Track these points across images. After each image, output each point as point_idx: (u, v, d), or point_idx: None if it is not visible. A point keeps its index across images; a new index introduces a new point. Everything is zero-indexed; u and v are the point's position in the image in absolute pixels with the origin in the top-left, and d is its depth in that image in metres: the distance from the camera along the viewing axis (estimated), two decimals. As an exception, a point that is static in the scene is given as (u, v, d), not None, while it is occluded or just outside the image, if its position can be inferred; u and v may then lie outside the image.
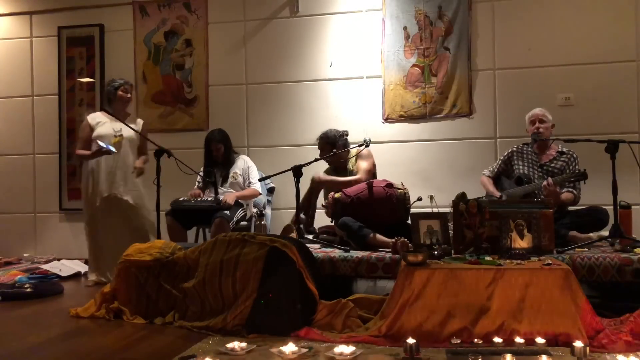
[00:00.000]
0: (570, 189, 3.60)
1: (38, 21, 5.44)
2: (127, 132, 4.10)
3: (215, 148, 4.32)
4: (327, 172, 4.04)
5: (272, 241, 2.86)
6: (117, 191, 4.08)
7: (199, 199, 4.16)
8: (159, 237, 3.67)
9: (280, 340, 2.47)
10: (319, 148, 4.02)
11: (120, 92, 4.16)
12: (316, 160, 3.72)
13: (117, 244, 3.89)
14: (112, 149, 3.96)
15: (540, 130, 3.72)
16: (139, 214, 4.16)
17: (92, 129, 4.13)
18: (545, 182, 3.44)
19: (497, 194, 3.74)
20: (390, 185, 3.54)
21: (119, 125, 4.07)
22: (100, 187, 4.08)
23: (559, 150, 3.78)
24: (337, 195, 3.57)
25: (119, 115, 4.09)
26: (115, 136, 4.08)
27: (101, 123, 4.13)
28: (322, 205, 3.80)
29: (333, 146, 3.91)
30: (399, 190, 3.52)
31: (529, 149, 3.84)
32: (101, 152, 3.96)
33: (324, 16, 4.90)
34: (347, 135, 4.04)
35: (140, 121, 4.32)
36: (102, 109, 4.34)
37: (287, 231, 3.71)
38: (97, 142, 3.99)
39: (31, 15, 5.45)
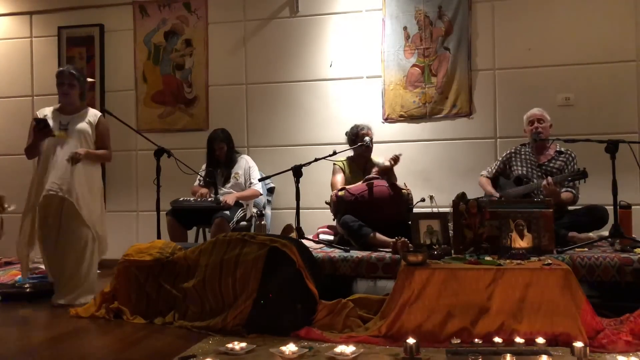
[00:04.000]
0: (569, 189, 3.61)
1: (38, 21, 5.44)
2: (78, 126, 3.70)
3: (218, 147, 4.33)
4: (350, 163, 3.99)
5: (272, 241, 2.86)
6: (59, 189, 3.53)
7: (202, 199, 4.14)
8: (159, 237, 3.66)
9: (280, 340, 2.48)
10: (354, 138, 3.95)
11: (57, 81, 3.75)
12: (316, 160, 3.72)
13: (53, 250, 3.58)
14: (55, 131, 3.58)
15: (540, 130, 3.72)
16: (75, 221, 3.58)
17: None
18: (545, 182, 3.45)
19: (496, 194, 3.74)
20: (393, 185, 3.55)
21: (67, 118, 3.71)
22: (42, 183, 3.58)
23: (558, 150, 3.79)
24: (340, 193, 3.57)
25: (71, 107, 3.76)
26: (60, 129, 3.66)
27: (48, 116, 3.70)
28: (326, 203, 3.80)
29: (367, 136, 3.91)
30: (402, 191, 3.53)
31: (527, 150, 3.85)
32: (40, 129, 3.50)
33: (324, 16, 4.89)
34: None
35: (96, 113, 3.85)
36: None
37: (287, 231, 3.71)
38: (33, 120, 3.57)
39: (31, 15, 5.45)
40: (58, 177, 3.55)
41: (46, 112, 3.83)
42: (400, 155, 3.64)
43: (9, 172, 5.45)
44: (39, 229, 3.61)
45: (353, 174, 3.90)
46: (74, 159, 3.58)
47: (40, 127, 3.52)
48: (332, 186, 3.85)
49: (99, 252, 3.72)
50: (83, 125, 3.74)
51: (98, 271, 3.82)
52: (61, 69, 3.86)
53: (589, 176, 3.42)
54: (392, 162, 3.62)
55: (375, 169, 3.72)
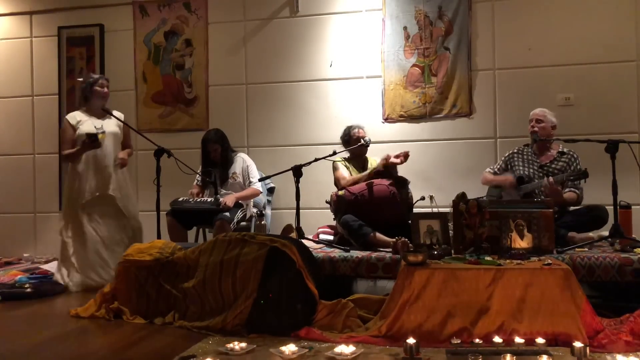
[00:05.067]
0: (573, 189, 3.60)
1: (38, 21, 5.44)
2: (110, 128, 4.06)
3: (212, 149, 4.28)
4: (348, 162, 4.00)
5: (272, 241, 2.86)
6: (107, 190, 4.01)
7: (198, 199, 4.14)
8: (159, 237, 3.67)
9: (280, 340, 2.48)
10: (349, 139, 3.99)
11: (96, 88, 4.05)
12: (316, 160, 3.72)
13: (107, 243, 3.98)
14: (86, 129, 3.91)
15: (535, 129, 3.71)
16: (125, 215, 4.11)
17: (74, 128, 4.03)
18: (545, 181, 3.44)
19: (510, 177, 3.70)
20: (393, 184, 3.54)
21: (99, 122, 4.03)
22: (88, 186, 3.98)
23: (560, 150, 3.78)
24: (340, 192, 3.58)
25: (97, 111, 4.05)
26: (98, 133, 3.97)
27: (82, 122, 4.04)
28: (326, 202, 3.80)
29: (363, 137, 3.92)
30: (402, 190, 3.53)
31: (529, 150, 3.85)
32: (90, 142, 3.86)
33: (324, 16, 4.90)
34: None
35: (120, 115, 4.16)
36: (79, 108, 4.19)
37: (287, 231, 3.71)
38: (82, 134, 3.91)
39: (31, 15, 5.45)
40: (104, 179, 4.01)
41: (77, 117, 4.09)
42: (408, 152, 3.64)
43: (9, 172, 5.45)
44: (86, 226, 3.97)
45: (353, 173, 3.91)
46: (122, 165, 4.09)
47: (90, 142, 3.87)
48: (338, 181, 3.85)
49: (140, 240, 4.04)
50: (115, 129, 4.11)
51: None
52: (99, 76, 4.18)
53: (589, 176, 3.41)
54: (402, 160, 3.62)
55: (381, 162, 3.71)
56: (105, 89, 4.10)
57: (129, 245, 3.76)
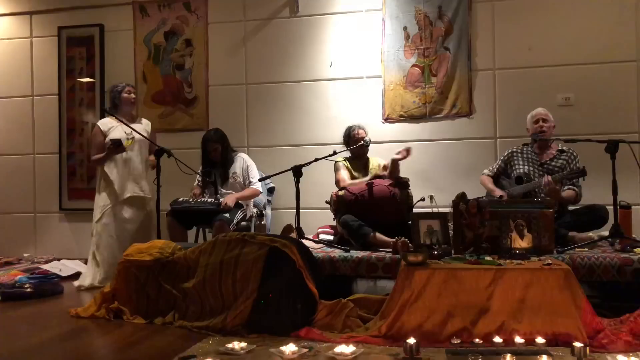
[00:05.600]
0: (571, 187, 3.60)
1: (38, 21, 5.44)
2: (139, 136, 4.19)
3: (212, 149, 4.27)
4: (350, 162, 4.01)
5: (272, 241, 2.86)
6: (138, 191, 4.21)
7: (199, 199, 4.14)
8: (159, 237, 3.67)
9: (280, 340, 2.48)
10: (350, 139, 4.00)
11: (124, 95, 4.24)
12: (316, 160, 3.72)
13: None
14: (123, 142, 4.11)
15: (544, 129, 3.73)
16: (146, 216, 4.31)
17: (104, 134, 4.20)
18: (544, 180, 3.45)
19: (498, 191, 3.73)
20: (393, 184, 3.55)
21: (128, 128, 4.16)
22: (121, 188, 4.16)
23: (559, 149, 3.79)
24: (340, 192, 3.58)
25: (127, 117, 4.21)
26: (128, 139, 4.17)
27: (113, 128, 4.21)
28: (326, 202, 3.80)
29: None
30: (406, 184, 3.54)
31: (529, 149, 3.85)
32: (115, 148, 4.07)
33: (324, 16, 4.90)
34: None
35: (147, 122, 4.41)
36: (107, 114, 4.33)
37: (287, 231, 3.71)
38: (109, 139, 4.12)
39: (31, 15, 5.45)
40: (135, 181, 4.21)
41: (109, 124, 4.25)
42: (410, 147, 3.66)
43: (9, 172, 5.45)
44: (120, 225, 4.16)
45: (355, 172, 3.91)
46: (153, 167, 4.13)
47: (115, 147, 4.07)
48: (338, 183, 3.86)
49: None
50: (143, 134, 4.21)
51: None
52: (126, 84, 4.35)
53: (587, 174, 3.41)
54: (404, 154, 3.63)
55: (385, 164, 3.71)
56: (133, 95, 4.30)
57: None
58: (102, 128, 4.22)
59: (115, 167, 4.17)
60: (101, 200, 4.19)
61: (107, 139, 4.16)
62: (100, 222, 4.14)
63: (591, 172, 3.45)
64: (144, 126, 4.32)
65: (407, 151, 3.63)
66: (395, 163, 3.64)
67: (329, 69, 4.86)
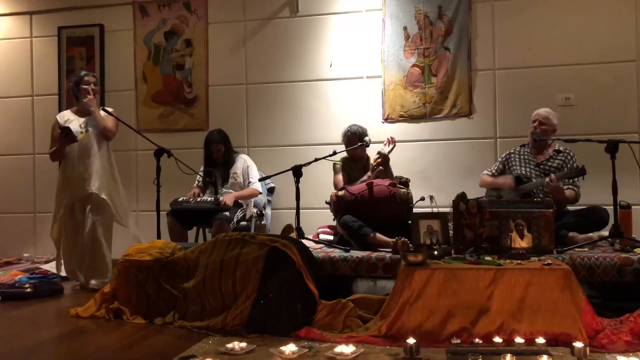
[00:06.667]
0: (570, 186, 3.60)
1: (38, 21, 5.43)
2: (94, 127, 4.00)
3: (215, 149, 4.31)
4: (343, 163, 4.01)
5: (272, 241, 2.86)
6: (91, 188, 3.92)
7: (198, 199, 4.15)
8: (159, 237, 3.67)
9: (280, 340, 2.48)
10: (345, 141, 3.98)
11: (82, 86, 4.00)
12: (316, 160, 3.72)
13: (90, 243, 3.92)
14: (77, 135, 3.89)
15: (538, 131, 3.73)
16: (110, 211, 4.01)
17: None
18: (547, 179, 3.45)
19: (509, 179, 3.71)
20: (393, 184, 3.55)
21: (85, 120, 4.00)
22: (73, 184, 3.96)
23: (556, 149, 3.79)
24: (340, 193, 3.58)
25: (81, 110, 4.03)
26: (81, 132, 3.97)
27: (69, 120, 4.01)
28: (326, 203, 3.80)
29: (360, 140, 3.90)
30: (402, 190, 3.53)
31: (526, 150, 3.85)
32: (65, 136, 3.83)
33: (324, 16, 4.89)
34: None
35: (103, 113, 4.08)
36: (68, 108, 4.22)
37: (287, 231, 3.71)
38: (57, 128, 3.90)
39: (31, 15, 5.45)
40: (89, 176, 3.95)
41: (66, 116, 4.08)
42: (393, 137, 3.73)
43: (9, 172, 5.45)
44: (70, 222, 3.99)
45: (354, 173, 3.91)
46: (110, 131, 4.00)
47: (64, 135, 3.85)
48: (336, 185, 3.87)
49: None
50: (99, 127, 4.02)
51: None
52: (86, 73, 4.12)
53: (587, 174, 3.41)
54: (389, 142, 3.69)
55: (375, 161, 3.72)
56: (92, 86, 4.02)
57: (108, 243, 3.96)
58: (59, 120, 4.03)
59: (70, 163, 3.99)
60: (58, 197, 4.04)
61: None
62: (58, 220, 4.01)
63: (591, 172, 3.44)
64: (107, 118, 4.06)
65: (391, 140, 3.68)
66: (385, 157, 3.64)
67: (329, 69, 4.86)
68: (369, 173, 3.76)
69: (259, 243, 2.87)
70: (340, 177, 3.91)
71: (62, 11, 5.35)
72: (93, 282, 3.90)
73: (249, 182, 4.32)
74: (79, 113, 4.06)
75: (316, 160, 3.72)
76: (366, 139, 3.90)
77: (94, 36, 5.28)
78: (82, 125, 4.00)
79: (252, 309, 2.71)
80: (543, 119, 3.76)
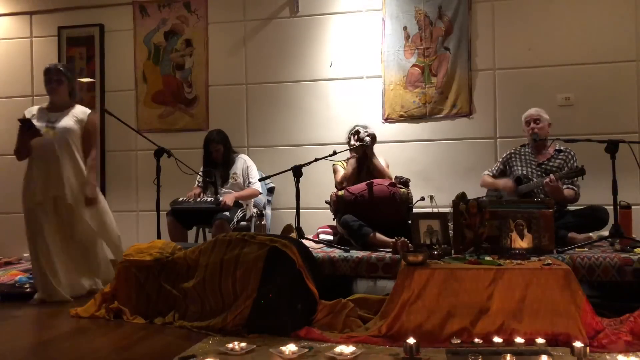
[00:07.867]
0: (570, 186, 3.61)
1: (38, 21, 5.44)
2: (65, 123, 3.71)
3: (214, 149, 4.31)
4: (345, 164, 4.01)
5: (272, 241, 2.86)
6: (60, 192, 3.63)
7: (198, 199, 4.15)
8: (159, 237, 3.66)
9: (280, 340, 2.48)
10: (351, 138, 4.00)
11: (45, 78, 3.75)
12: (316, 160, 3.72)
13: (61, 252, 3.62)
14: (41, 130, 3.58)
15: (536, 130, 3.73)
16: (82, 218, 3.70)
17: None
18: (547, 179, 3.45)
19: (510, 181, 3.73)
20: (393, 184, 3.55)
21: (55, 116, 3.71)
22: (38, 187, 3.66)
23: (557, 148, 3.80)
24: (340, 193, 3.58)
25: (51, 106, 3.76)
26: (47, 127, 3.65)
27: (35, 116, 3.72)
28: (326, 202, 3.80)
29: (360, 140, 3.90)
30: (402, 190, 3.53)
31: (527, 150, 3.86)
32: (26, 129, 3.52)
33: (324, 16, 4.90)
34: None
35: (85, 110, 3.85)
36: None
37: (287, 231, 3.71)
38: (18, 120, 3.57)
39: (31, 15, 5.45)
40: (56, 178, 3.65)
41: (33, 111, 3.83)
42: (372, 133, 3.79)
43: (9, 172, 5.44)
44: (40, 227, 3.66)
45: (355, 174, 3.91)
46: (89, 203, 3.68)
47: (25, 128, 3.53)
48: (339, 181, 3.86)
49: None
50: (69, 123, 3.76)
51: None
52: (48, 65, 3.84)
53: (587, 174, 3.42)
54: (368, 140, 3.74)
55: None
56: (54, 84, 3.72)
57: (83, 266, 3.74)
58: (26, 115, 3.73)
59: (36, 163, 3.69)
60: (23, 202, 3.74)
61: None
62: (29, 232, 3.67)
63: (591, 172, 3.44)
64: (80, 116, 3.78)
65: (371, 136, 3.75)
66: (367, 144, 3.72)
67: (329, 69, 4.86)
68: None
69: (259, 243, 2.87)
70: (340, 173, 3.88)
71: (62, 11, 5.35)
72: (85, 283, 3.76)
73: (249, 182, 4.33)
74: (49, 108, 3.78)
75: (316, 160, 3.72)
76: (367, 139, 3.86)
77: (94, 36, 5.28)
78: (51, 120, 3.69)
79: (252, 309, 2.70)
80: (537, 117, 3.77)
